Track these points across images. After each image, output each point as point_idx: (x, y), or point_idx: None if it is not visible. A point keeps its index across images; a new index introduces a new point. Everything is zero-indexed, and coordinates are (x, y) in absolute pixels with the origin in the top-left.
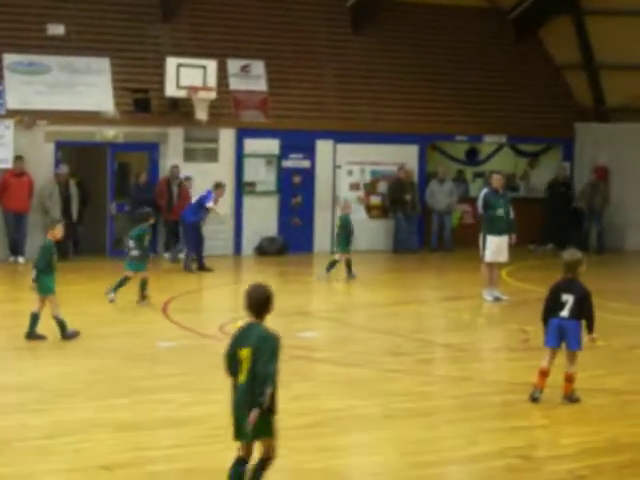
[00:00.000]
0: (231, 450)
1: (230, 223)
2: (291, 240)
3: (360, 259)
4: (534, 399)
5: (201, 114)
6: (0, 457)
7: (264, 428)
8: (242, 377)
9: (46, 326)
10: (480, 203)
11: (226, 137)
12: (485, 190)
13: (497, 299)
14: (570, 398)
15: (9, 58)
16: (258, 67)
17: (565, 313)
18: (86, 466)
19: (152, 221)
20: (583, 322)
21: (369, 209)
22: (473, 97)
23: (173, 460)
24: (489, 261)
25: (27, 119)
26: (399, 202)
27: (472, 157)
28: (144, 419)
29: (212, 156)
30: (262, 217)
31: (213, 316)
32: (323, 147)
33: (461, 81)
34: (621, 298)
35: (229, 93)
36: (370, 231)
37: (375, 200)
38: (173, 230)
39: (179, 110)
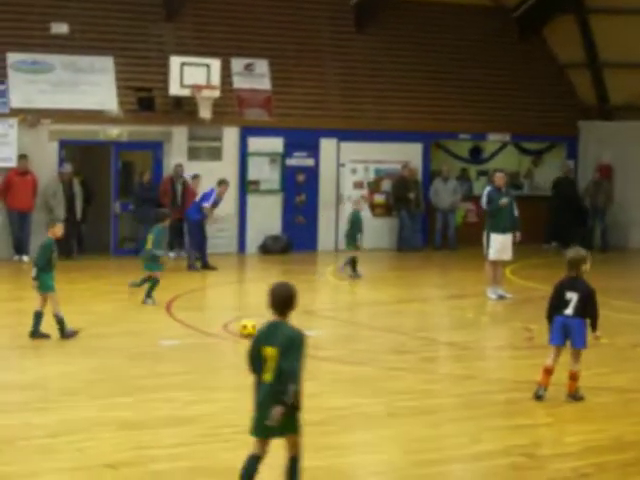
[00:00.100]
0: (234, 449)
1: (234, 221)
2: (295, 238)
3: (364, 257)
4: (538, 397)
5: (205, 113)
6: (4, 456)
7: (289, 425)
8: (268, 376)
9: (50, 325)
10: (484, 200)
11: (230, 136)
12: (488, 188)
13: (501, 297)
14: (574, 396)
15: (13, 57)
16: (262, 66)
17: (569, 311)
18: (90, 465)
19: (168, 221)
20: (588, 320)
21: (373, 207)
22: (477, 95)
23: (177, 459)
24: (493, 259)
25: (31, 118)
26: (403, 200)
27: (476, 155)
28: (148, 418)
29: (216, 155)
30: (266, 215)
31: (217, 314)
32: (327, 145)
33: (465, 79)
34: (625, 296)
35: (233, 92)
36: (374, 229)
37: (379, 198)
38: (177, 229)
39: (183, 109)
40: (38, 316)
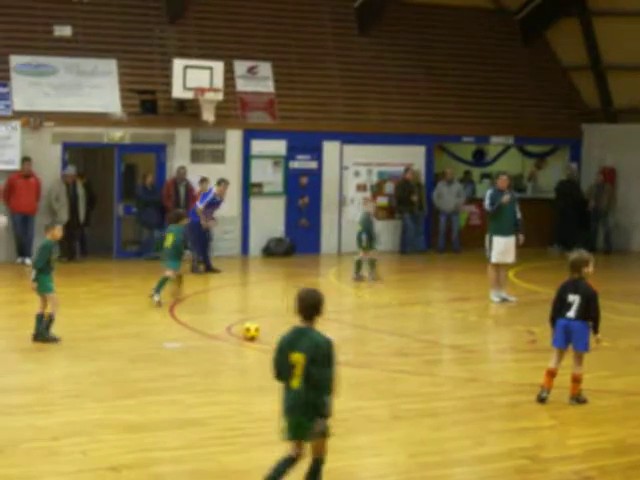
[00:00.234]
0: (238, 452)
1: (237, 224)
2: (298, 241)
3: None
4: (541, 400)
5: (208, 115)
6: (8, 458)
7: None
8: (295, 382)
9: (53, 327)
10: (487, 202)
11: (233, 138)
12: (490, 190)
13: (504, 300)
14: (577, 399)
15: (16, 59)
16: (265, 68)
17: (571, 314)
18: (93, 467)
19: (186, 222)
20: (590, 323)
21: (376, 210)
22: (480, 98)
23: (180, 461)
24: (496, 262)
25: (34, 120)
26: (406, 203)
27: (479, 158)
28: (151, 420)
29: (219, 157)
30: (269, 218)
31: (220, 317)
32: (330, 148)
33: (468, 82)
34: (627, 299)
35: (236, 94)
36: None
37: (382, 201)
38: None
39: (186, 111)
40: (40, 319)
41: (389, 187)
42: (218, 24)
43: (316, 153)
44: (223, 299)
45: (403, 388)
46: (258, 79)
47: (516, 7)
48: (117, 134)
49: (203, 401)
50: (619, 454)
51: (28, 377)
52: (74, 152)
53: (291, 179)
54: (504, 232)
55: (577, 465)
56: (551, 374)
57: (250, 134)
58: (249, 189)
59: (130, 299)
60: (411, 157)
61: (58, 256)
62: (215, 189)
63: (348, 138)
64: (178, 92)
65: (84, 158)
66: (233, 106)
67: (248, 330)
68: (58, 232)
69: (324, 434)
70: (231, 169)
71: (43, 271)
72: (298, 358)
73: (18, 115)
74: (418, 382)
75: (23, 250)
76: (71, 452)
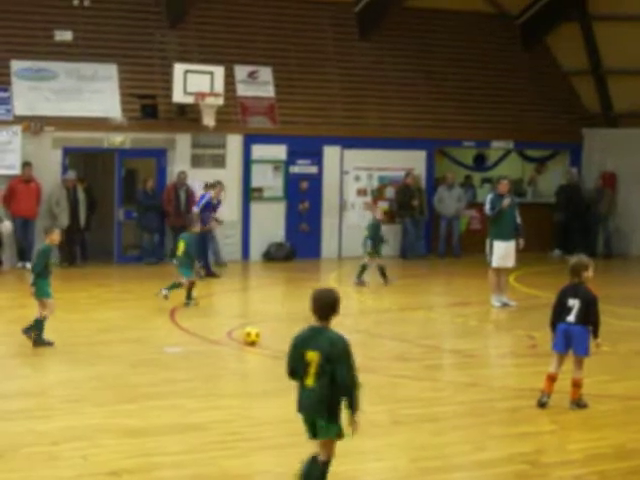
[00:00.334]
0: (238, 456)
1: (238, 229)
2: (298, 246)
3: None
4: (542, 404)
5: (208, 120)
6: (8, 463)
7: (332, 429)
8: (310, 380)
9: (53, 331)
10: (488, 206)
11: (233, 143)
12: (491, 194)
13: (505, 305)
14: (577, 404)
15: (17, 64)
16: (265, 73)
17: (571, 318)
18: (94, 472)
19: (197, 229)
20: (590, 327)
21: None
22: (480, 103)
23: (181, 466)
24: (496, 266)
25: (34, 125)
26: (407, 208)
27: (480, 163)
28: (152, 425)
29: (219, 162)
30: (269, 223)
31: (221, 322)
32: (330, 153)
33: (468, 87)
34: (627, 303)
35: (236, 99)
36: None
37: (383, 206)
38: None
39: (186, 116)
40: (39, 323)
41: (390, 192)
42: (219, 29)
43: (316, 158)
44: (224, 304)
45: (404, 393)
46: (259, 84)
47: (517, 12)
48: (117, 139)
49: (204, 406)
50: (619, 459)
51: (28, 382)
52: (74, 157)
53: (291, 184)
54: (504, 237)
55: (577, 470)
56: (551, 379)
57: (250, 139)
58: (249, 194)
59: (131, 304)
60: (412, 162)
61: (59, 261)
62: (211, 192)
63: (348, 143)
64: (178, 97)
65: (84, 163)
66: (233, 111)
67: (249, 335)
68: (56, 236)
69: (339, 436)
70: (231, 174)
71: (41, 275)
72: (313, 356)
73: (19, 120)
74: (419, 387)
75: (24, 254)
76: (71, 457)
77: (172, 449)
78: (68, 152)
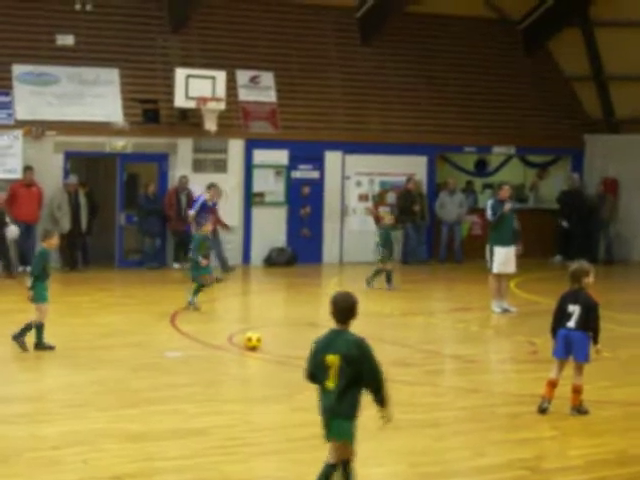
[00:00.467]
0: (240, 461)
1: (239, 234)
2: (300, 251)
3: (369, 270)
4: (542, 410)
5: (210, 125)
6: (10, 468)
7: (346, 431)
8: (330, 383)
9: (54, 335)
10: (489, 212)
11: (235, 148)
12: (491, 200)
13: (506, 311)
14: (578, 410)
15: (18, 68)
16: (267, 78)
17: (572, 324)
18: (95, 476)
19: (206, 230)
20: (591, 333)
21: (377, 220)
22: (482, 108)
23: (182, 471)
24: (497, 272)
25: (36, 130)
26: (408, 213)
27: (481, 168)
28: (153, 430)
29: (221, 167)
30: (271, 228)
31: (222, 327)
32: (332, 158)
33: (470, 92)
34: (628, 309)
35: (238, 104)
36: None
37: (385, 211)
38: (182, 241)
39: (188, 121)
40: (39, 328)
41: (391, 197)
42: (221, 34)
43: (318, 163)
44: (225, 309)
45: (404, 398)
46: (260, 89)
47: (519, 17)
48: (119, 143)
49: (205, 411)
50: (620, 465)
51: (29, 386)
52: (76, 161)
53: (293, 189)
54: (505, 242)
55: (578, 476)
56: (552, 385)
57: (252, 144)
58: (251, 199)
59: (132, 308)
60: (413, 167)
61: (60, 265)
62: (206, 194)
63: (350, 148)
64: (180, 101)
65: (86, 167)
66: (235, 116)
67: (250, 340)
68: (55, 240)
69: (350, 438)
70: (233, 179)
71: (39, 279)
72: (333, 360)
73: (20, 124)
74: (420, 392)
75: (25, 259)
76: (73, 461)
77: (173, 454)
78: (70, 156)
